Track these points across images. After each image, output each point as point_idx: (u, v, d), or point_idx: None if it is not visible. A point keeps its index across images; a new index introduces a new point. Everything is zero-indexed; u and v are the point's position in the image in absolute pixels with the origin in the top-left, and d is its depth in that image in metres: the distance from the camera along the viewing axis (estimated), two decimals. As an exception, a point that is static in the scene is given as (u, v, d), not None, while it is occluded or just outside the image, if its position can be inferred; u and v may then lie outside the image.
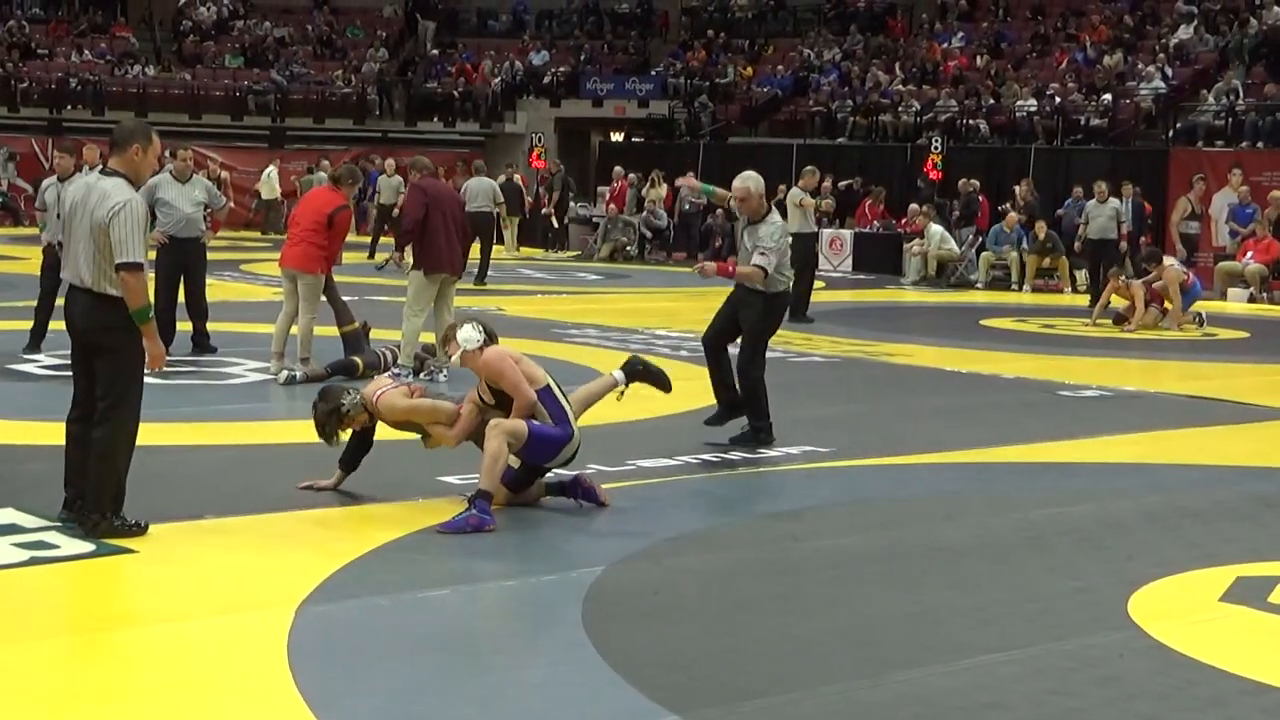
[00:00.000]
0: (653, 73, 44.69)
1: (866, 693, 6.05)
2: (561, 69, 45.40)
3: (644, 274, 29.32)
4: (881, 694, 6.04)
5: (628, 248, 33.34)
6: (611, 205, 35.01)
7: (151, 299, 8.03)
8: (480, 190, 25.61)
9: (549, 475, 9.15)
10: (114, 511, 7.97)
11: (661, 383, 9.79)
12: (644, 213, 34.40)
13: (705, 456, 10.76)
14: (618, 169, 36.46)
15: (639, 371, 9.67)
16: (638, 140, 42.74)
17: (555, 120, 44.45)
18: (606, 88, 44.27)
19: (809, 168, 21.94)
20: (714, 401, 11.43)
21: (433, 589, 7.25)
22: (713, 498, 9.65)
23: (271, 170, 31.64)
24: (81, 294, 8.02)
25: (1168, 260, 21.70)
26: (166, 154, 12.78)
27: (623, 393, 9.66)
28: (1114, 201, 24.77)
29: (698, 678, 6.16)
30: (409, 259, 13.96)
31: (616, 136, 44.62)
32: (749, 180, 11.36)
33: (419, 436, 9.26)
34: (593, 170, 40.37)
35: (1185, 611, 7.44)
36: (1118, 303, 21.37)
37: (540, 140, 40.18)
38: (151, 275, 8.31)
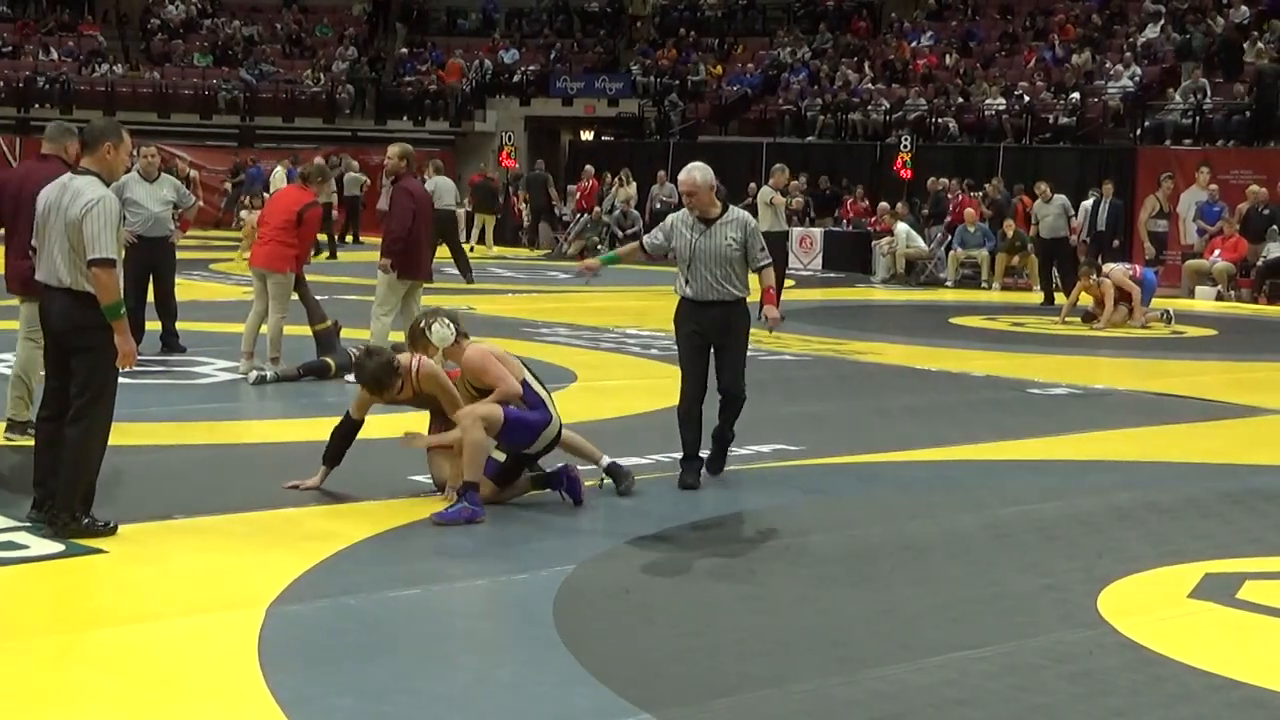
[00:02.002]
0: (622, 71, 44.70)
1: (837, 690, 6.06)
2: (531, 68, 45.38)
3: (614, 273, 29.25)
4: (852, 691, 6.05)
5: (599, 246, 33.32)
6: (583, 203, 35.06)
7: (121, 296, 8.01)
8: (447, 189, 25.68)
9: (536, 467, 9.18)
10: (83, 511, 7.95)
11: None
12: (615, 211, 34.41)
13: (675, 455, 10.75)
14: (588, 168, 36.49)
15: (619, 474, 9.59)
16: (608, 139, 42.75)
17: (525, 119, 44.44)
18: (576, 86, 44.26)
19: (779, 165, 21.97)
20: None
21: (403, 588, 7.24)
22: (683, 496, 9.65)
23: (279, 170, 31.75)
24: (59, 294, 8.00)
25: (1109, 267, 21.68)
26: (135, 153, 12.70)
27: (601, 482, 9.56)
28: (1060, 199, 24.75)
29: (669, 676, 6.16)
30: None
31: (587, 135, 44.62)
32: (694, 171, 10.05)
33: (400, 435, 9.17)
34: (563, 169, 40.37)
35: (1154, 608, 7.47)
36: (1084, 301, 21.43)
37: (510, 139, 40.16)
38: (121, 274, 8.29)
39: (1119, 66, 34.22)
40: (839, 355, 17.16)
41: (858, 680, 6.18)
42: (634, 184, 35.27)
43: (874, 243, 30.36)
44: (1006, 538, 8.78)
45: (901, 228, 29.28)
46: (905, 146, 32.52)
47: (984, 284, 27.85)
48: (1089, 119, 33.01)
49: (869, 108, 36.64)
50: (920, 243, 29.09)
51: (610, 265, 10.88)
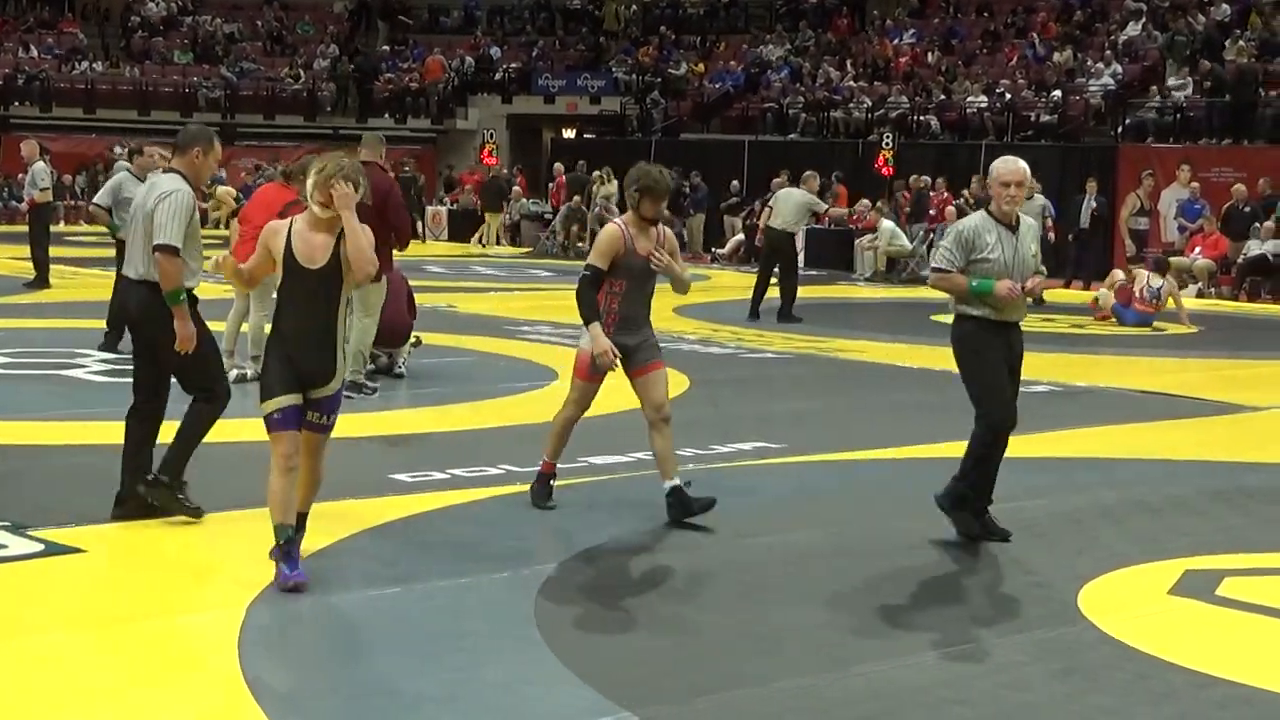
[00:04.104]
0: (604, 69, 44.68)
1: (824, 688, 6.05)
2: (513, 65, 45.34)
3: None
4: (839, 689, 6.05)
5: (579, 244, 33.31)
6: (556, 200, 35.21)
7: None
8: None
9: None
10: (180, 486, 8.32)
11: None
12: (596, 209, 34.37)
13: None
14: (558, 165, 36.78)
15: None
16: (590, 136, 42.72)
17: (507, 117, 44.41)
18: (558, 84, 44.24)
19: (810, 173, 21.84)
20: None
21: (385, 587, 7.23)
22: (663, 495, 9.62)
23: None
24: (136, 286, 8.32)
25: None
26: (116, 149, 12.60)
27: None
28: (1039, 199, 24.81)
29: (654, 674, 6.15)
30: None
31: (569, 133, 44.59)
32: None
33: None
34: (545, 166, 40.37)
35: (1135, 604, 7.48)
36: (1084, 298, 21.45)
37: (492, 137, 40.13)
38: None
39: (1100, 64, 34.28)
40: (821, 353, 17.15)
41: (845, 678, 6.18)
42: (615, 182, 35.22)
43: (857, 240, 30.39)
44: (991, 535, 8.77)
45: (885, 225, 29.32)
46: (887, 144, 32.54)
47: (966, 281, 27.85)
48: (1070, 117, 33.06)
49: (851, 105, 36.67)
50: (904, 240, 29.12)
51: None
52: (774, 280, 20.71)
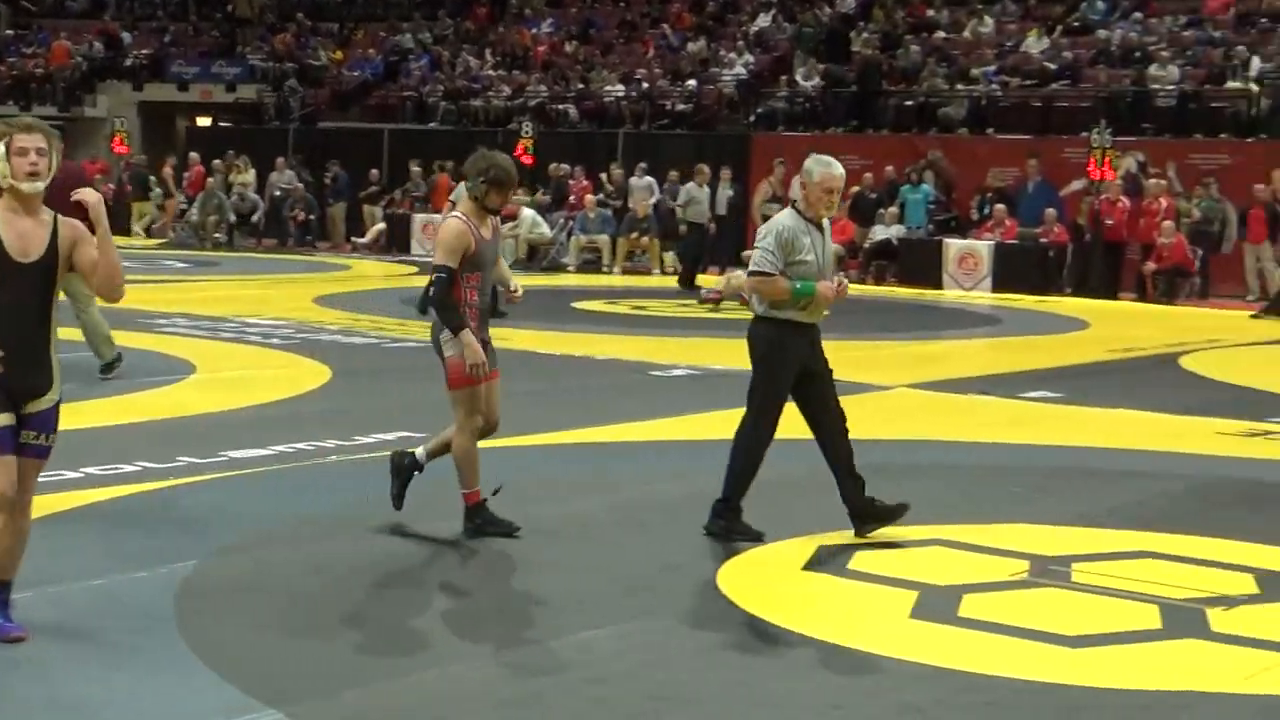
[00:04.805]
0: (239, 55, 43.84)
1: (468, 675, 6.08)
2: (144, 51, 44.13)
3: (233, 261, 28.76)
4: (483, 675, 6.09)
5: (216, 234, 32.63)
6: (191, 190, 34.55)
7: None
8: None
9: None
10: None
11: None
12: (233, 197, 33.75)
13: (300, 445, 10.64)
14: (193, 155, 36.10)
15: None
16: (226, 125, 41.87)
17: (139, 104, 43.21)
18: (192, 71, 43.24)
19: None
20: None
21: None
22: (308, 487, 9.54)
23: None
24: None
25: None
26: None
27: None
28: (738, 187, 25.50)
29: (298, 670, 6.09)
30: None
31: (204, 121, 43.63)
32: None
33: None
34: (180, 155, 39.40)
35: (771, 581, 7.71)
36: (712, 282, 21.95)
37: (123, 125, 38.99)
38: None
39: (733, 55, 35.11)
40: (464, 341, 17.15)
41: (488, 663, 6.23)
42: (252, 171, 34.66)
43: (498, 228, 30.47)
44: (630, 518, 8.93)
45: (526, 213, 29.47)
46: (527, 133, 32.73)
47: (605, 268, 28.25)
48: (705, 106, 33.76)
49: (490, 94, 36.77)
50: (545, 229, 29.33)
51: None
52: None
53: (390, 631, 6.65)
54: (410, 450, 8.72)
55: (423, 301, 19.90)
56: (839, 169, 8.45)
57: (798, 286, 8.24)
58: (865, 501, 8.54)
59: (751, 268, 8.49)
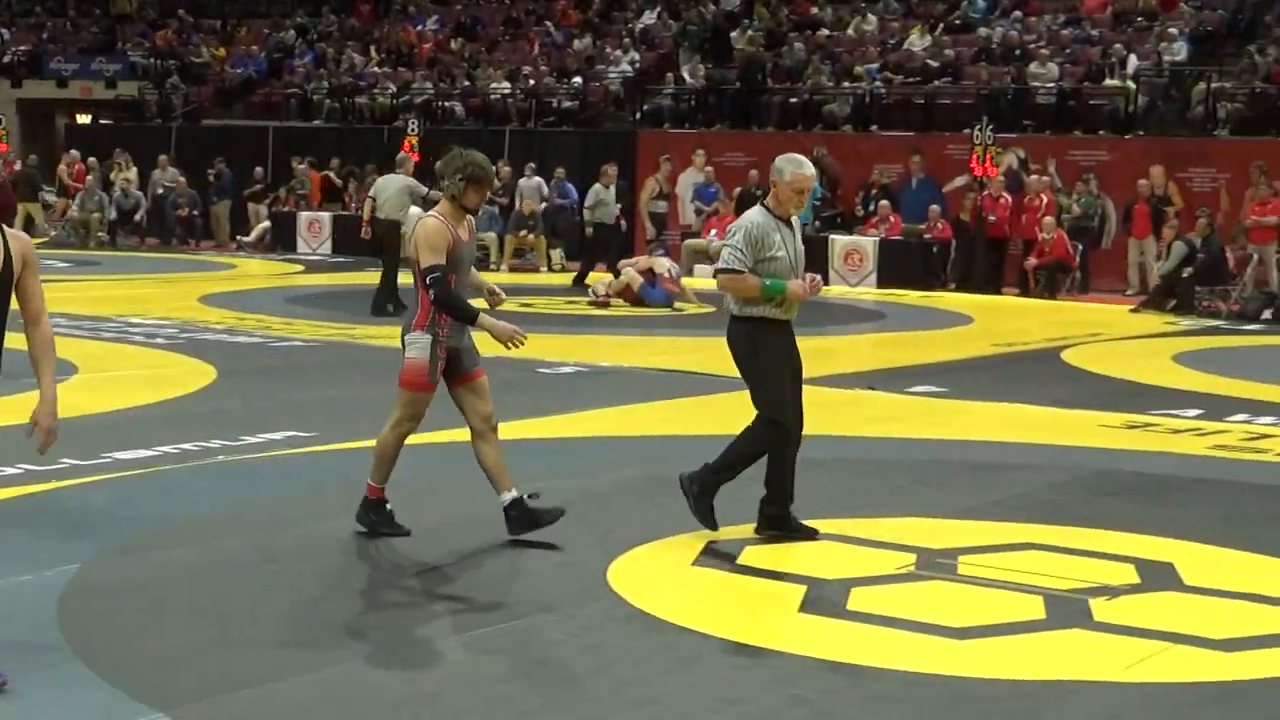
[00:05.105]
0: (120, 52, 43.29)
1: (361, 674, 6.06)
2: (22, 48, 43.47)
3: (116, 260, 28.43)
4: (376, 674, 6.07)
5: (99, 233, 32.22)
6: (73, 188, 34.09)
7: None
8: None
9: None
10: None
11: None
12: (117, 193, 33.33)
13: (185, 446, 10.54)
14: (73, 152, 35.64)
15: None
16: (107, 122, 41.34)
17: (16, 101, 42.56)
18: (71, 68, 42.65)
19: (403, 155, 21.43)
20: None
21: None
22: (194, 488, 9.45)
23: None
24: None
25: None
26: None
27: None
28: (623, 184, 25.55)
29: (186, 672, 6.04)
30: None
31: (84, 118, 43.05)
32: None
33: None
34: (59, 154, 38.85)
35: (662, 577, 7.74)
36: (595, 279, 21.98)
37: (1, 123, 38.38)
38: None
39: (619, 52, 35.15)
40: (350, 340, 17.09)
41: (381, 663, 6.21)
42: (134, 169, 34.24)
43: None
44: (520, 516, 8.92)
45: (414, 211, 29.31)
46: (413, 130, 32.58)
47: (493, 265, 28.19)
48: (591, 103, 33.77)
49: (376, 91, 36.57)
50: (432, 226, 29.22)
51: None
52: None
53: (281, 631, 6.61)
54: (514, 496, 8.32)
55: (376, 303, 19.79)
56: (810, 168, 8.48)
57: (767, 284, 8.23)
58: (783, 515, 8.53)
59: (720, 265, 8.49)
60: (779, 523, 8.49)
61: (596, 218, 25.72)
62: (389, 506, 8.41)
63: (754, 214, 8.49)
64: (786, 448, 8.44)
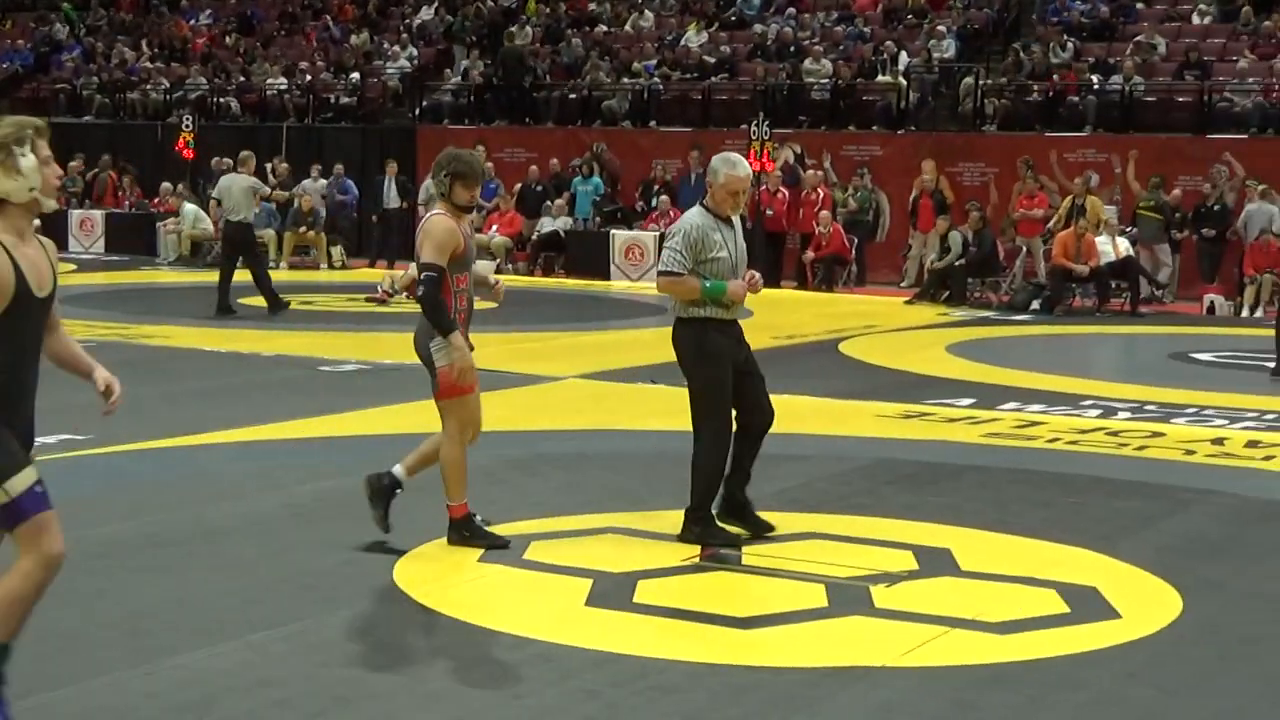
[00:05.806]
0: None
1: (137, 682, 5.96)
2: None
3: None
4: (152, 682, 5.96)
5: None
6: None
7: None
8: None
9: None
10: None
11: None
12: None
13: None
14: None
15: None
16: None
17: None
18: None
19: (245, 153, 20.79)
20: None
21: None
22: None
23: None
24: None
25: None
26: None
27: None
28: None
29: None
30: None
31: None
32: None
33: None
34: None
35: (448, 575, 7.72)
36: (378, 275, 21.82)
37: None
38: None
39: (396, 47, 34.92)
40: (125, 340, 16.76)
41: (157, 670, 6.10)
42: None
43: (159, 224, 29.88)
44: (304, 515, 8.85)
45: (188, 209, 28.94)
46: (187, 126, 32.03)
47: (272, 263, 27.82)
48: (369, 99, 33.52)
49: (148, 86, 35.87)
50: (208, 224, 28.77)
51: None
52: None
53: (55, 639, 6.45)
54: (387, 471, 8.32)
55: (273, 304, 19.38)
56: (745, 169, 8.36)
57: (707, 285, 8.15)
58: (742, 499, 8.57)
59: (661, 268, 8.40)
60: (739, 512, 8.52)
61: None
62: (479, 518, 8.26)
63: (693, 215, 8.38)
64: (733, 440, 8.40)
